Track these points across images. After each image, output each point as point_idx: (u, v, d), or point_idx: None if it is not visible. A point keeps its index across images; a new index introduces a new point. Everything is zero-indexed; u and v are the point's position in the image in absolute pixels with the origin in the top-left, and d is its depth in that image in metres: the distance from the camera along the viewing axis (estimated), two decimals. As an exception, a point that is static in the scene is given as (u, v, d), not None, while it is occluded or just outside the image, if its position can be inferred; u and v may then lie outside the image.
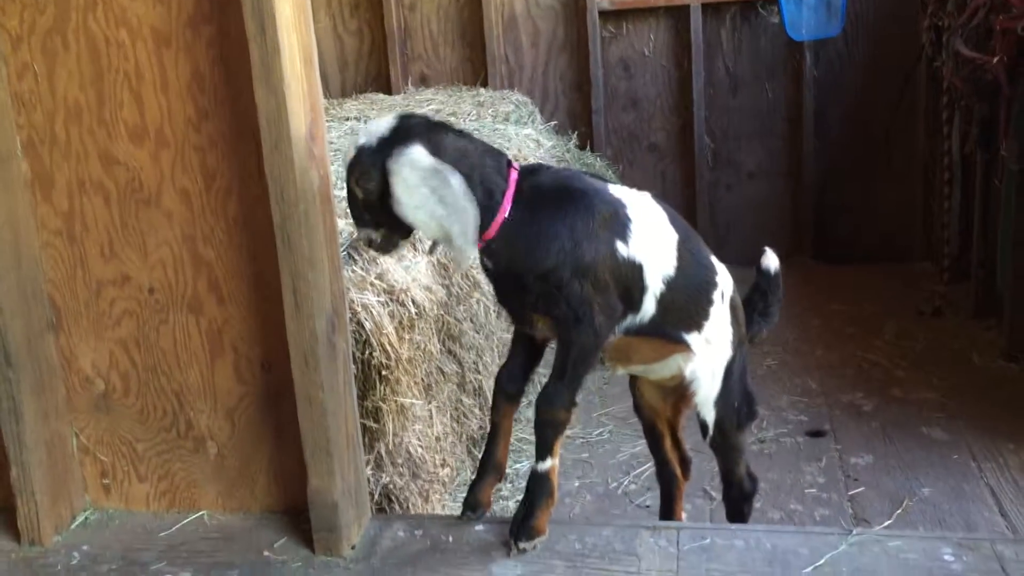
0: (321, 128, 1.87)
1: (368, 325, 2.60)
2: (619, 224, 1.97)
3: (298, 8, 1.79)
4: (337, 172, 2.91)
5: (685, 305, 2.09)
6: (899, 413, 3.42)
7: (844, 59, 4.81)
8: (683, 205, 5.08)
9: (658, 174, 5.11)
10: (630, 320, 2.04)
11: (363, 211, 1.89)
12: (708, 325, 2.14)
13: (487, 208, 1.90)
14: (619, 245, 1.95)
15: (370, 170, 1.85)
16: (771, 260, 2.45)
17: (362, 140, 1.88)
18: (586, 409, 3.63)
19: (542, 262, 1.92)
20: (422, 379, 2.91)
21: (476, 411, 3.35)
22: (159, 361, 2.05)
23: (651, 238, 2.01)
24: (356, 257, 2.81)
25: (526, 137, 4.35)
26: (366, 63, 5.21)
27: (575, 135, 4.89)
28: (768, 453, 3.21)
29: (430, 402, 2.98)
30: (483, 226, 1.90)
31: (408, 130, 1.88)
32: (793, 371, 3.87)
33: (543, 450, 2.02)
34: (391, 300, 2.76)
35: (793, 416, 3.47)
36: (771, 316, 2.44)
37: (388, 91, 5.10)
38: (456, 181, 1.82)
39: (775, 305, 2.45)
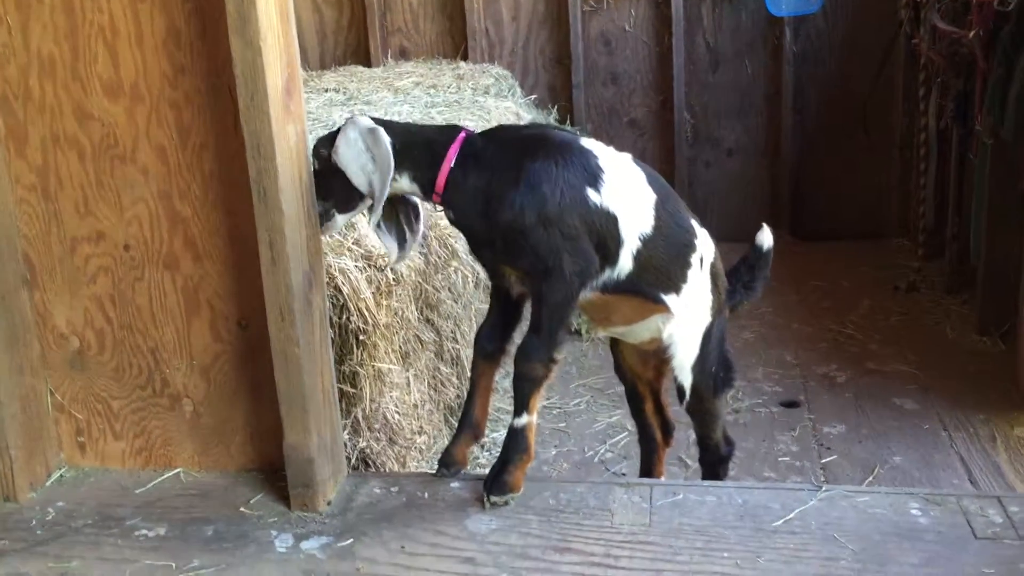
0: (297, 84, 1.88)
1: (345, 289, 2.62)
2: (589, 171, 1.98)
3: (275, -39, 1.79)
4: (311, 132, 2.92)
5: (663, 265, 2.10)
6: (872, 385, 3.47)
7: (823, 35, 4.84)
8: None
9: (638, 150, 5.10)
10: (607, 275, 2.05)
11: (316, 181, 2.02)
12: (686, 288, 2.15)
13: (431, 164, 2.00)
14: (590, 192, 1.95)
15: (327, 141, 2.01)
16: (765, 237, 2.47)
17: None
18: (564, 380, 3.66)
19: (499, 212, 1.95)
20: (399, 346, 2.93)
21: (454, 380, 3.37)
22: (134, 319, 2.06)
23: (626, 191, 2.01)
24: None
25: (506, 110, 4.36)
26: (345, 35, 5.19)
27: (555, 109, 4.90)
28: (743, 423, 3.25)
29: (407, 369, 3.00)
30: (429, 177, 2.01)
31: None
32: (769, 344, 3.91)
33: (519, 405, 2.04)
34: (369, 266, 2.77)
35: (768, 387, 3.52)
36: (754, 290, 2.46)
37: (368, 64, 5.09)
38: (385, 140, 1.96)
39: (760, 280, 2.47)
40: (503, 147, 2.02)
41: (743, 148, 5.07)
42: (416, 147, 2.01)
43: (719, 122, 5.06)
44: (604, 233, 1.99)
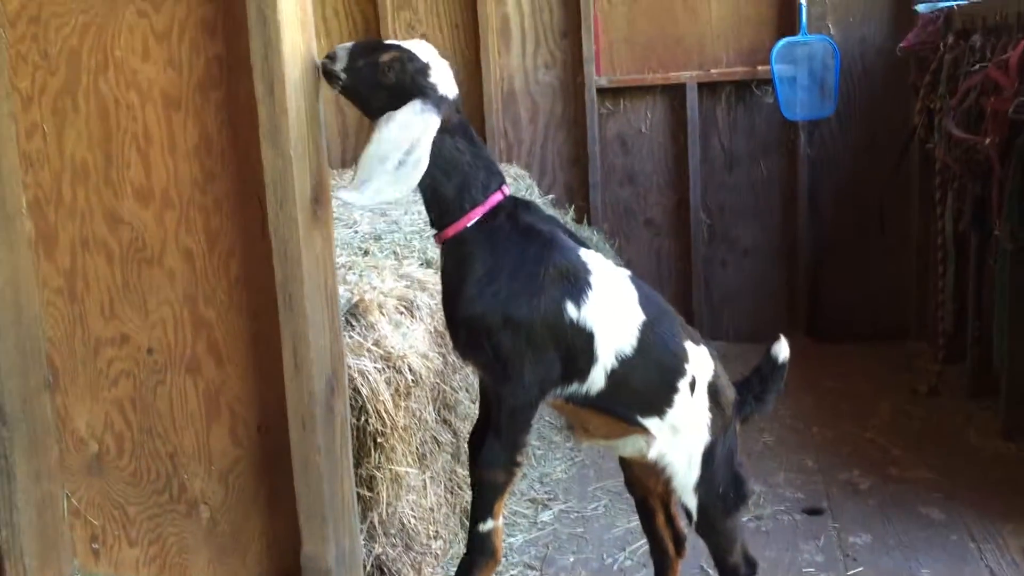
0: (326, 192, 1.90)
1: (364, 391, 2.60)
2: (576, 285, 1.95)
3: (307, 71, 1.83)
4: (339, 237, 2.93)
5: (643, 388, 2.06)
6: (897, 492, 3.40)
7: (838, 139, 4.91)
8: (679, 281, 5.13)
9: (654, 250, 5.16)
10: (575, 388, 2.01)
11: (359, 73, 1.90)
12: (672, 412, 2.09)
13: (453, 206, 1.96)
14: (569, 306, 1.93)
15: (407, 74, 1.89)
16: (781, 349, 2.40)
17: (415, 47, 1.93)
18: (581, 482, 3.60)
19: (470, 300, 1.92)
20: (416, 448, 2.90)
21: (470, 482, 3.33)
22: (155, 423, 2.05)
23: (610, 310, 1.98)
24: (353, 323, 2.83)
25: (524, 209, 4.40)
26: (367, 133, 5.27)
27: (572, 209, 4.95)
28: (765, 530, 3.19)
29: (424, 472, 2.96)
30: (445, 222, 1.97)
31: (452, 102, 1.95)
32: (789, 448, 3.86)
33: (483, 511, 1.99)
34: (388, 367, 2.76)
35: (790, 494, 3.45)
36: (765, 403, 2.38)
37: (387, 162, 5.16)
38: (420, 170, 1.87)
39: (772, 393, 2.40)
40: (513, 232, 1.99)
41: (759, 248, 5.09)
42: (454, 175, 1.95)
43: (735, 222, 5.10)
44: (576, 348, 1.96)
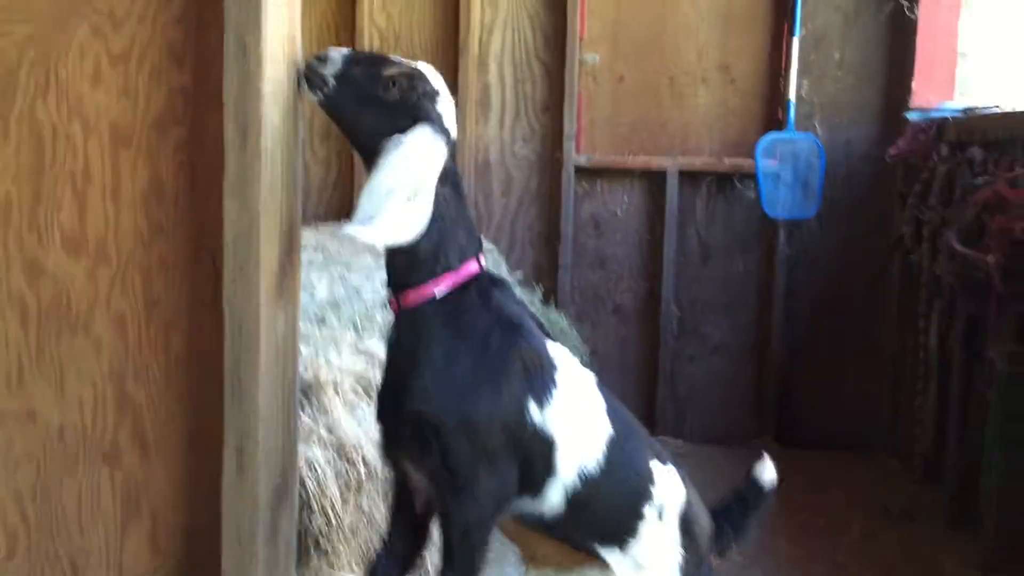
0: (296, 258, 1.57)
1: (311, 485, 2.24)
2: (540, 381, 1.65)
3: (288, 114, 1.52)
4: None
5: (604, 513, 1.74)
6: (876, 627, 3.10)
7: (817, 240, 4.69)
8: (644, 373, 4.83)
9: (620, 338, 4.87)
10: (527, 504, 1.69)
11: (354, 82, 1.60)
12: (636, 544, 1.78)
13: (422, 266, 1.64)
14: (531, 405, 1.63)
15: (414, 93, 1.62)
16: (766, 470, 2.14)
17: (425, 69, 1.67)
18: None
19: (423, 398, 1.61)
20: (362, 548, 2.53)
21: (417, 586, 2.94)
22: (58, 520, 1.66)
23: (575, 416, 1.68)
24: (305, 403, 2.47)
25: (492, 286, 4.09)
26: (330, 193, 4.97)
27: (540, 291, 4.65)
28: (737, 663, 2.85)
29: (367, 575, 2.58)
30: (407, 283, 1.65)
31: (451, 142, 1.68)
32: (759, 565, 3.55)
33: None
34: (339, 456, 2.40)
35: (762, 618, 3.13)
36: (744, 532, 2.09)
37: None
38: (429, 196, 1.58)
39: (753, 520, 2.11)
40: (482, 312, 1.68)
41: (730, 345, 4.82)
42: (433, 229, 1.63)
43: (706, 317, 4.83)
44: (533, 456, 1.65)
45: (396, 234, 1.56)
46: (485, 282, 1.73)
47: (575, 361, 1.75)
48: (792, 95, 4.61)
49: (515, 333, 1.67)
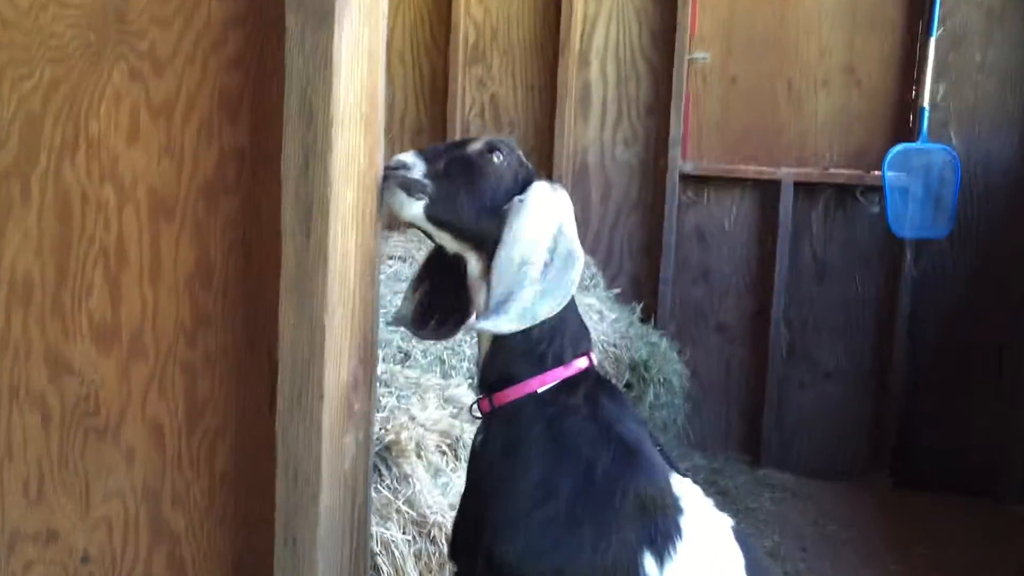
0: (371, 371, 1.23)
1: (386, 570, 1.93)
2: (661, 529, 1.30)
3: (364, 197, 1.18)
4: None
5: None
6: None
7: (948, 262, 4.18)
8: (749, 398, 4.41)
9: (724, 359, 4.44)
10: None
11: (449, 173, 1.38)
12: None
13: (527, 357, 1.37)
14: (647, 561, 1.27)
15: (514, 156, 1.45)
16: None
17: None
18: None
19: (510, 533, 1.29)
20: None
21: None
22: (82, 660, 1.37)
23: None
24: (383, 471, 2.15)
25: (588, 308, 3.72)
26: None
27: (639, 308, 4.25)
28: None
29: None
30: (504, 378, 1.37)
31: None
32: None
33: None
34: (420, 534, 2.08)
35: None
36: None
37: (438, 228, 4.51)
38: (578, 267, 1.34)
39: None
40: (588, 426, 1.36)
41: (844, 373, 4.35)
42: (553, 319, 1.36)
43: (820, 340, 4.36)
44: None
45: (538, 310, 1.28)
46: (594, 385, 1.41)
47: (707, 502, 1.38)
48: (926, 101, 4.09)
49: (630, 461, 1.32)
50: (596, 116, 4.46)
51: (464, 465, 2.35)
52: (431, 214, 1.35)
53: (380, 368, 2.66)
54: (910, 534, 3.86)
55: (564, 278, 1.31)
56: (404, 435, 2.24)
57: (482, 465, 1.41)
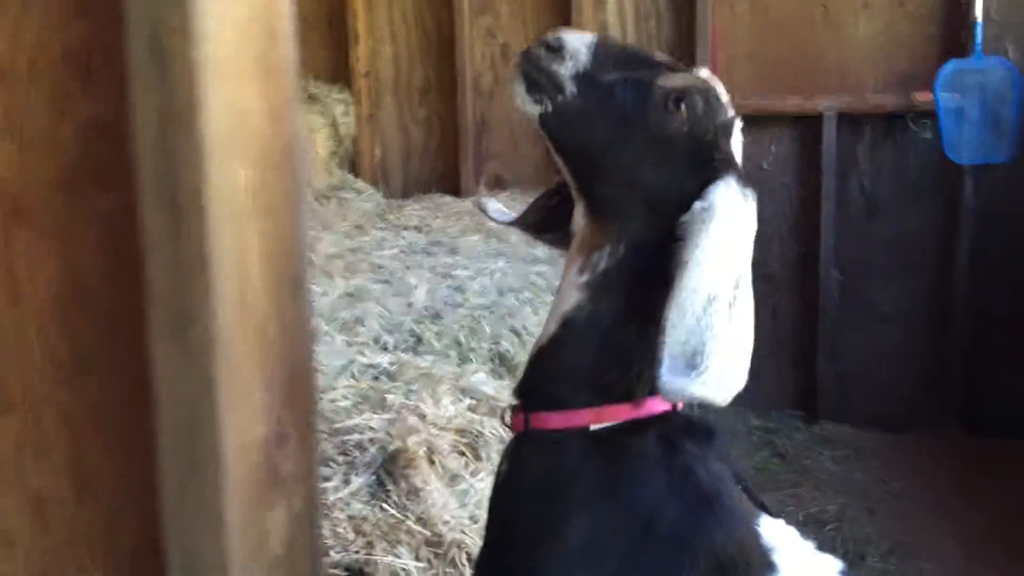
0: (305, 416, 0.85)
1: (397, 606, 1.59)
2: None
3: (272, 175, 0.79)
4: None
5: None
6: None
7: (1013, 188, 3.70)
8: (800, 348, 3.99)
9: (770, 308, 4.02)
10: None
11: (610, 95, 1.02)
12: None
13: (591, 383, 1.03)
14: None
15: (709, 124, 1.06)
16: None
17: (712, 81, 1.10)
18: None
19: None
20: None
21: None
22: None
23: None
24: (390, 485, 1.80)
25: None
26: (433, 159, 4.24)
27: (676, 261, 3.84)
28: None
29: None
30: (550, 397, 1.04)
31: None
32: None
33: None
34: (436, 557, 1.73)
35: None
36: None
37: (456, 192, 4.13)
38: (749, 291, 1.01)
39: None
40: (653, 477, 1.01)
41: (903, 315, 3.90)
42: (626, 330, 1.03)
43: (874, 281, 3.92)
44: None
45: (737, 368, 0.97)
46: (676, 428, 1.04)
47: (807, 546, 1.00)
48: (979, 14, 3.59)
49: (705, 512, 0.97)
50: (616, 59, 4.02)
51: (488, 465, 1.99)
52: (551, 130, 1.01)
53: (387, 359, 2.31)
54: (985, 483, 3.44)
55: (749, 324, 0.98)
56: (413, 440, 1.89)
57: (508, 505, 1.06)
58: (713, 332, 0.92)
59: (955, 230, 3.75)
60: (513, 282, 2.89)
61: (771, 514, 1.03)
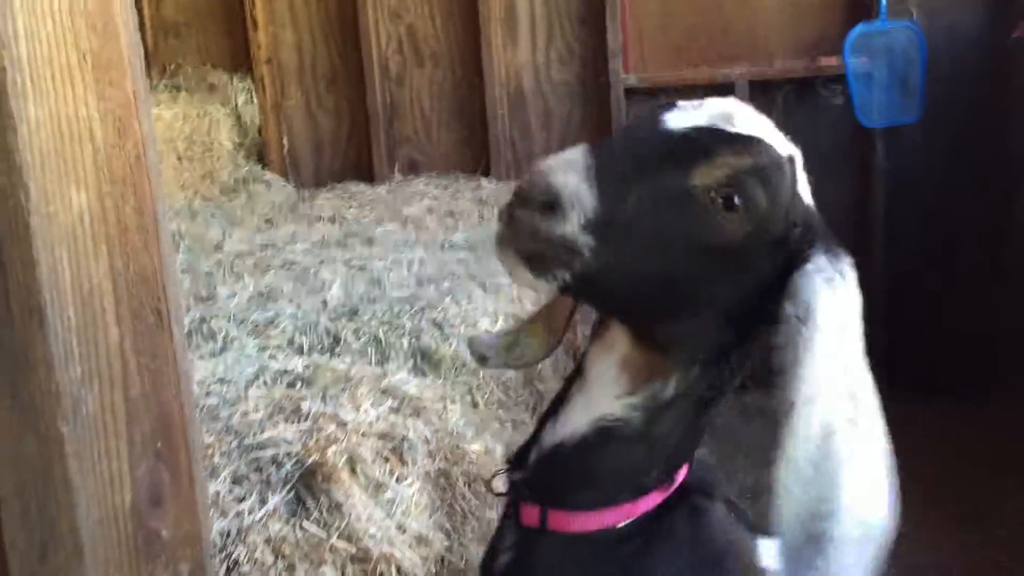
0: (187, 465, 0.74)
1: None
2: None
3: (114, 195, 0.66)
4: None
5: None
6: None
7: (921, 150, 3.72)
8: (724, 320, 3.96)
9: (693, 281, 3.98)
10: None
11: (627, 238, 0.80)
12: None
13: (630, 477, 0.92)
14: None
15: (777, 210, 0.87)
16: None
17: (767, 130, 0.91)
18: None
19: None
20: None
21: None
22: None
23: None
24: (309, 502, 1.68)
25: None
26: (344, 147, 4.08)
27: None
28: None
29: None
30: (579, 490, 0.93)
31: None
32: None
33: None
34: (363, 573, 1.63)
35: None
36: None
37: (370, 179, 3.98)
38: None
39: None
40: (691, 548, 0.94)
41: (822, 281, 3.91)
42: (672, 416, 0.92)
43: (792, 249, 3.92)
44: None
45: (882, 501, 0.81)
46: (695, 491, 0.97)
47: None
48: (882, -24, 3.59)
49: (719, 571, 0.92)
50: (525, 36, 3.91)
51: (415, 469, 1.89)
52: (580, 296, 0.86)
53: (302, 363, 2.17)
54: (907, 448, 3.46)
55: (879, 436, 0.84)
56: (332, 451, 1.76)
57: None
58: (837, 483, 0.78)
59: (869, 192, 3.77)
60: (432, 272, 2.78)
61: (756, 530, 0.95)
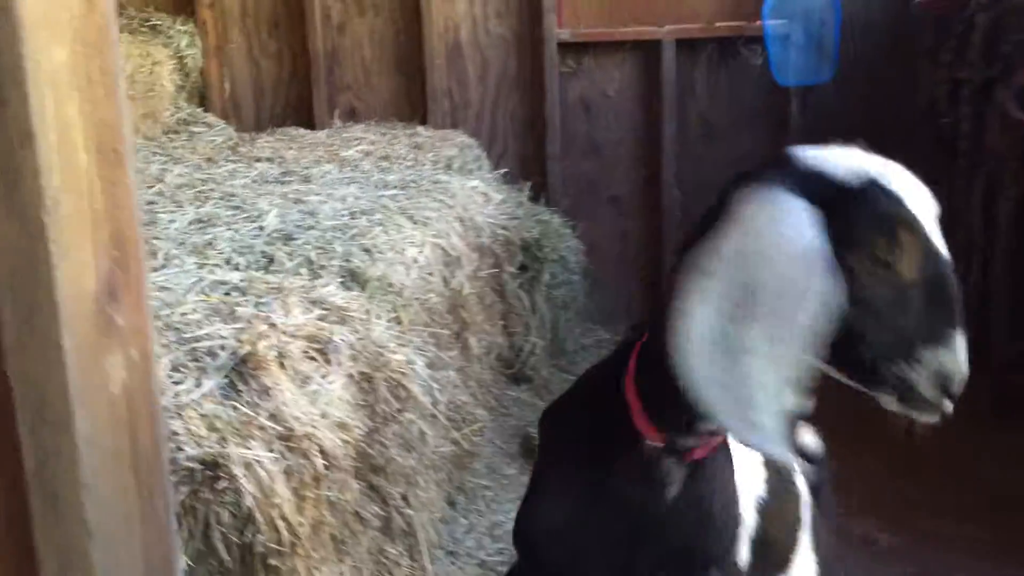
0: (135, 277, 0.97)
1: (251, 493, 1.72)
2: None
3: (87, 55, 0.89)
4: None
5: None
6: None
7: (834, 107, 4.03)
8: (648, 268, 4.26)
9: (619, 232, 4.27)
10: None
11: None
12: None
13: None
14: None
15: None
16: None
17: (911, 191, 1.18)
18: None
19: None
20: (331, 537, 2.02)
21: (404, 561, 2.46)
22: None
23: None
24: (241, 386, 1.91)
25: (472, 191, 3.48)
26: (286, 91, 4.27)
27: (528, 187, 4.02)
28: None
29: (342, 560, 2.09)
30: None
31: None
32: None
33: None
34: (289, 450, 1.86)
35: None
36: None
37: (311, 124, 4.18)
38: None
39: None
40: None
41: (740, 232, 4.22)
42: None
43: (712, 201, 4.21)
44: None
45: None
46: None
47: None
48: (800, -60, 3.87)
49: None
50: (464, -11, 4.13)
51: (339, 369, 2.13)
52: None
53: (238, 276, 2.40)
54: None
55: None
56: (263, 345, 1.99)
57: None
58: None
59: (784, 145, 4.05)
60: (365, 206, 3.00)
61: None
